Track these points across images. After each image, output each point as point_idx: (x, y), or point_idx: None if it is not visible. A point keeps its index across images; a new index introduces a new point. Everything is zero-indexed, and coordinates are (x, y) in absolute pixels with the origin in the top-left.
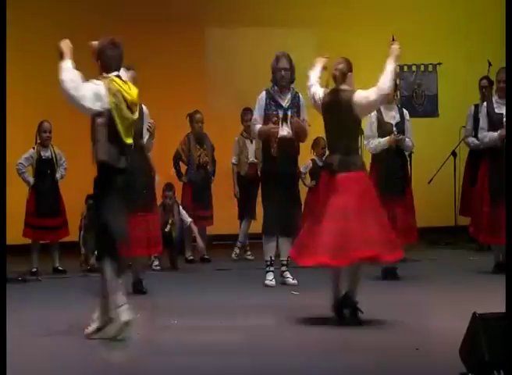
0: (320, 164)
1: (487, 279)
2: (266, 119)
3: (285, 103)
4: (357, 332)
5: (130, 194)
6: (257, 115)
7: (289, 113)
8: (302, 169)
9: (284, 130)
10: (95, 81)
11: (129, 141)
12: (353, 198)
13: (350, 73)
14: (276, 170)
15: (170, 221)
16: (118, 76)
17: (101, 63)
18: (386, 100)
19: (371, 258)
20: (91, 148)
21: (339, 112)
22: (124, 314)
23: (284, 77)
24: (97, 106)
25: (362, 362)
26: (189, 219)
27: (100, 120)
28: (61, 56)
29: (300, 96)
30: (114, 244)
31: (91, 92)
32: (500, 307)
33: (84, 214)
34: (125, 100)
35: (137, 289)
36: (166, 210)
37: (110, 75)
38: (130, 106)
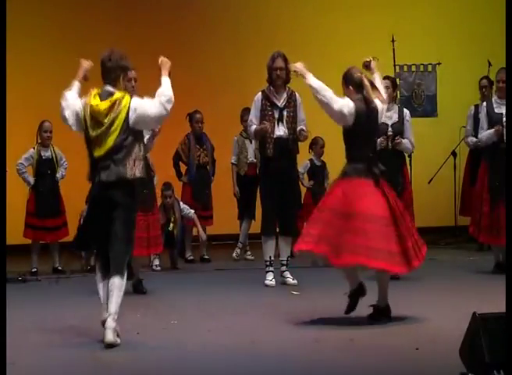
0: (318, 164)
1: (487, 279)
2: (262, 119)
3: (280, 103)
4: (357, 332)
5: (118, 208)
6: (253, 116)
7: (284, 113)
8: (301, 170)
9: (280, 130)
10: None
11: (97, 154)
12: (394, 202)
13: None
14: (273, 170)
15: (172, 219)
16: (106, 90)
17: None
18: None
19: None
20: None
21: (376, 118)
22: (103, 314)
23: (279, 77)
24: (81, 127)
25: (362, 361)
26: (191, 211)
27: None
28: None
29: (297, 95)
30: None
31: (74, 114)
32: (500, 307)
33: (84, 214)
34: (91, 115)
35: (137, 289)
36: (167, 209)
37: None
38: (94, 122)
